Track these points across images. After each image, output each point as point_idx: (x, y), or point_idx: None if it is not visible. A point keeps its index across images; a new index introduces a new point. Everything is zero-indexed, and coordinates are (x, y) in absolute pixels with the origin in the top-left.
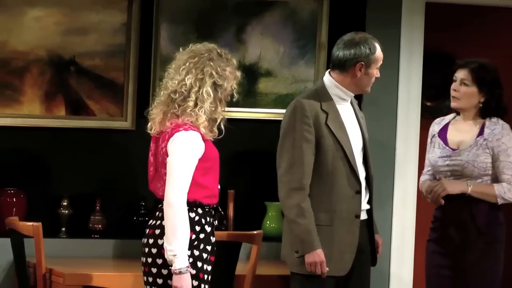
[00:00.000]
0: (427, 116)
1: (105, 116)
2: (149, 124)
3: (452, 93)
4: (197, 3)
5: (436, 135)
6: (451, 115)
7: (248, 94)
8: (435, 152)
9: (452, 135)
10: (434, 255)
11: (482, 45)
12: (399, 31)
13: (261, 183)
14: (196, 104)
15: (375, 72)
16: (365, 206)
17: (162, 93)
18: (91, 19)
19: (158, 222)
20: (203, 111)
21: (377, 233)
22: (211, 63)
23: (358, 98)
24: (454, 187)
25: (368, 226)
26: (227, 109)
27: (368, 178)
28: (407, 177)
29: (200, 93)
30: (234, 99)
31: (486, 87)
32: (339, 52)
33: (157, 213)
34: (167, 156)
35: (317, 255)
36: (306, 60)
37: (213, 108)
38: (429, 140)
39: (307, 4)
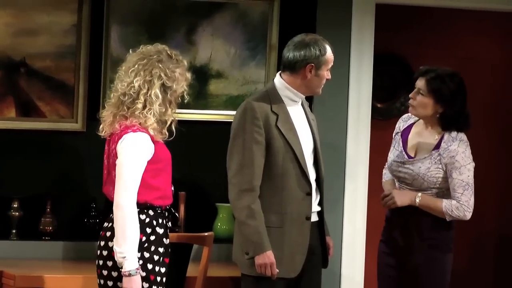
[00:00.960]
0: (378, 117)
1: (55, 117)
2: (100, 126)
3: (410, 100)
4: (147, 4)
5: (400, 133)
6: None
7: (198, 96)
8: (393, 153)
9: (412, 139)
10: (384, 255)
11: (431, 46)
12: (349, 32)
13: (212, 185)
14: (144, 106)
15: (326, 74)
16: (315, 207)
17: (112, 95)
18: (41, 20)
19: (110, 224)
20: (152, 113)
21: (328, 235)
22: (160, 65)
23: (309, 99)
24: (404, 199)
25: (319, 227)
26: (178, 110)
27: (318, 180)
28: (358, 179)
29: (149, 95)
30: (185, 101)
31: (443, 99)
32: (289, 53)
33: (111, 215)
34: (117, 158)
35: (267, 257)
36: (257, 62)
37: (163, 110)
38: (393, 135)
39: (257, 5)
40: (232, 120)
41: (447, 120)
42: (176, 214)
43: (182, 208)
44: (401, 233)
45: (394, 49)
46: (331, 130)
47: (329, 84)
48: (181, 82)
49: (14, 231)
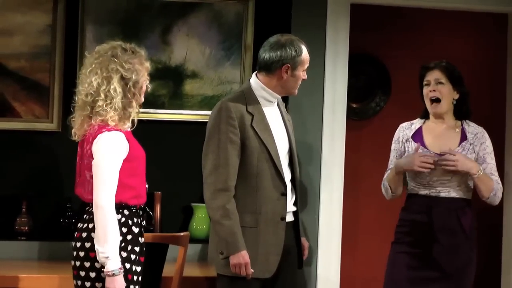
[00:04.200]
0: (353, 117)
1: (30, 117)
2: (72, 130)
3: (431, 94)
4: (122, 4)
5: (410, 139)
6: (418, 120)
7: (174, 96)
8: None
9: (431, 141)
10: (406, 257)
11: (406, 46)
12: (324, 32)
13: (188, 185)
14: (105, 102)
15: (302, 74)
16: (291, 208)
17: (77, 98)
18: (16, 21)
19: (85, 225)
20: (113, 107)
21: (303, 236)
22: (115, 59)
23: (284, 99)
24: (467, 165)
25: (295, 228)
26: (153, 110)
27: (294, 180)
28: (334, 179)
29: (108, 90)
30: (159, 102)
31: (458, 83)
32: (265, 54)
33: (85, 216)
34: (93, 158)
35: (242, 257)
36: (232, 62)
37: (127, 102)
38: (398, 145)
39: (232, 5)
40: (207, 120)
41: (462, 105)
42: (150, 212)
43: (158, 208)
44: (445, 234)
45: (369, 49)
46: (307, 130)
47: (304, 85)
48: (141, 71)
49: None
